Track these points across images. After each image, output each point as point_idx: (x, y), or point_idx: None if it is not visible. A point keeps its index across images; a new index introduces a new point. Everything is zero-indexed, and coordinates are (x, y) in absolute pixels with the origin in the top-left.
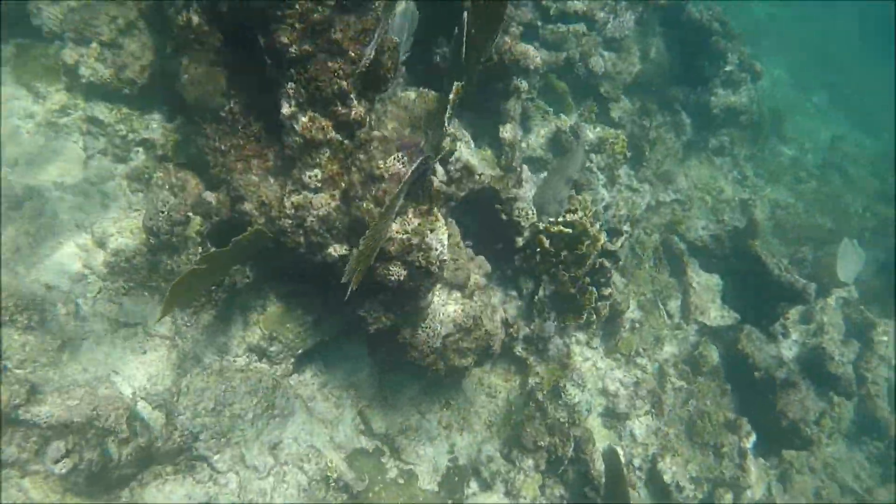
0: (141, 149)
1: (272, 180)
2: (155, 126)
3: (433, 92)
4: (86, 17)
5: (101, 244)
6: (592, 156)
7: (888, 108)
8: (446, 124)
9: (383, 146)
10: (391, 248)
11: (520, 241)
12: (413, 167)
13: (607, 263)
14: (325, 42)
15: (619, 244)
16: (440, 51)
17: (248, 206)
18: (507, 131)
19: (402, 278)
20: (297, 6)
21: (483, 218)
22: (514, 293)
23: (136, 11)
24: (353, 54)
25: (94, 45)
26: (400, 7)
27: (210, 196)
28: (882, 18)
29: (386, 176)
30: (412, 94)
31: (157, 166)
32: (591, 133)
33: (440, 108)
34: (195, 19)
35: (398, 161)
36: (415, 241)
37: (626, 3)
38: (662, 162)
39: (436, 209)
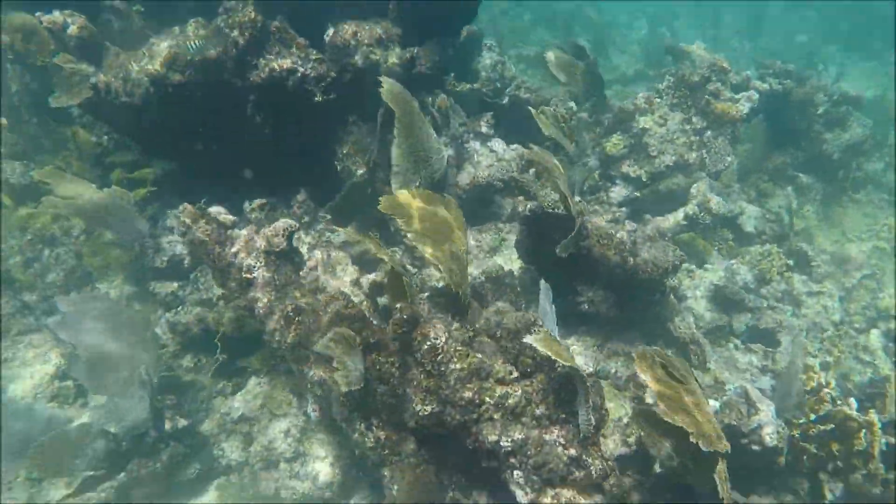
0: None
1: None
2: None
3: None
4: None
5: None
6: (762, 290)
7: None
8: None
9: None
10: None
11: (782, 460)
12: None
13: (893, 440)
14: (531, 418)
15: (891, 405)
16: (584, 298)
17: None
18: (682, 328)
19: None
20: (486, 399)
21: None
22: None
23: None
24: (563, 415)
25: None
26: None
27: None
28: None
29: None
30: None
31: None
32: (744, 271)
33: None
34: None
35: None
36: None
37: (710, 133)
38: (816, 237)
39: None
